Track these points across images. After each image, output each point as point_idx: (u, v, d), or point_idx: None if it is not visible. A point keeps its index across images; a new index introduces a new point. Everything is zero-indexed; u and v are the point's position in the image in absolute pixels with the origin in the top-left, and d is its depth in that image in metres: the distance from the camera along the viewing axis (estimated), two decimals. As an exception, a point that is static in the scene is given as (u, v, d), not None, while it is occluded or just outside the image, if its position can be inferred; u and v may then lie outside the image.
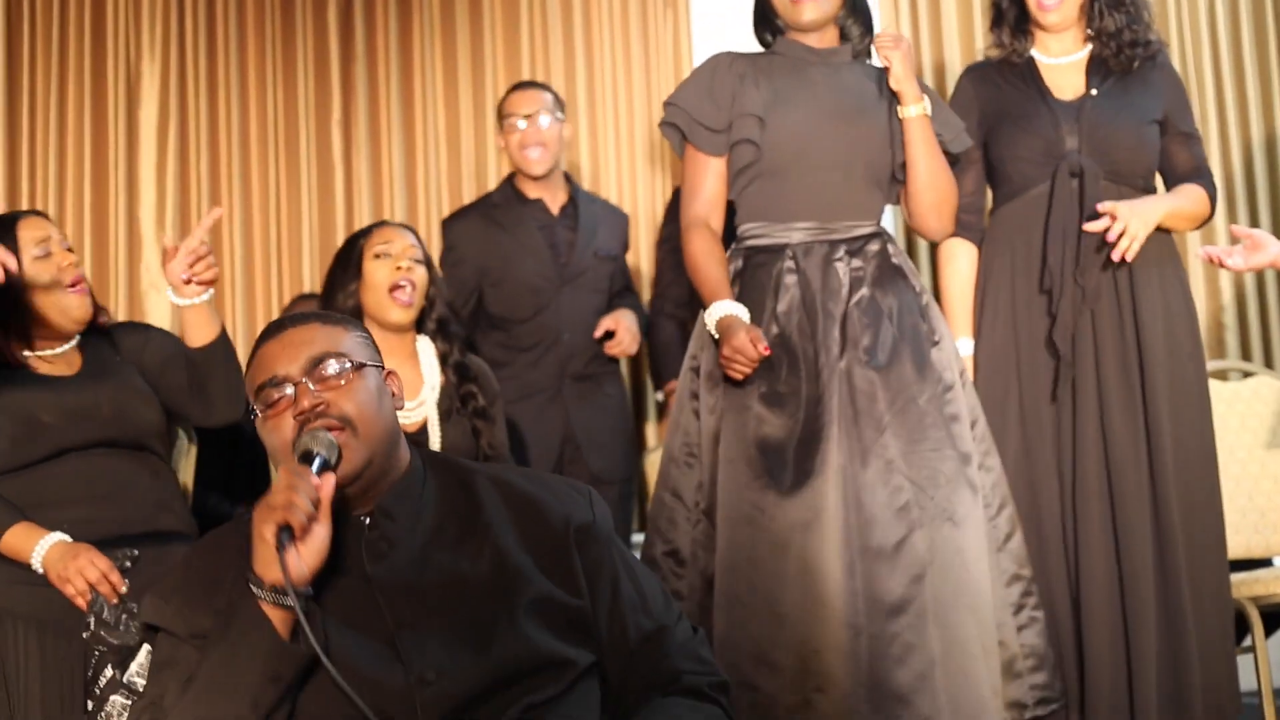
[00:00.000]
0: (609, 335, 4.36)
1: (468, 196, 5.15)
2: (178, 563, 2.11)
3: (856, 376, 3.06)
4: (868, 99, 3.28)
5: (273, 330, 2.12)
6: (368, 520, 2.04)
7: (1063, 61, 3.57)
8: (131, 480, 3.07)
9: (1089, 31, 3.56)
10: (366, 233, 3.51)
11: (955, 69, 5.10)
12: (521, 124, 4.41)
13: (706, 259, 3.22)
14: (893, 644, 2.90)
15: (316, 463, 1.92)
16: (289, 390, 2.02)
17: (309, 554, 1.87)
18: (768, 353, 3.01)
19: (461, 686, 1.92)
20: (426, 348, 3.44)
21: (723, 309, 3.10)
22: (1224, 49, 5.22)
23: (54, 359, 3.12)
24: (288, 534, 1.85)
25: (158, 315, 5.10)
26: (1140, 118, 3.50)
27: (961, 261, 3.58)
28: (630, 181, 5.36)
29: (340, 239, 5.02)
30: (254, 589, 1.86)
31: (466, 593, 2.00)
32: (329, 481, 1.92)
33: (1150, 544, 3.28)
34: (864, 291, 3.15)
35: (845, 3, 3.32)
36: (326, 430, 1.97)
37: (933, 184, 3.27)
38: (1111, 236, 3.28)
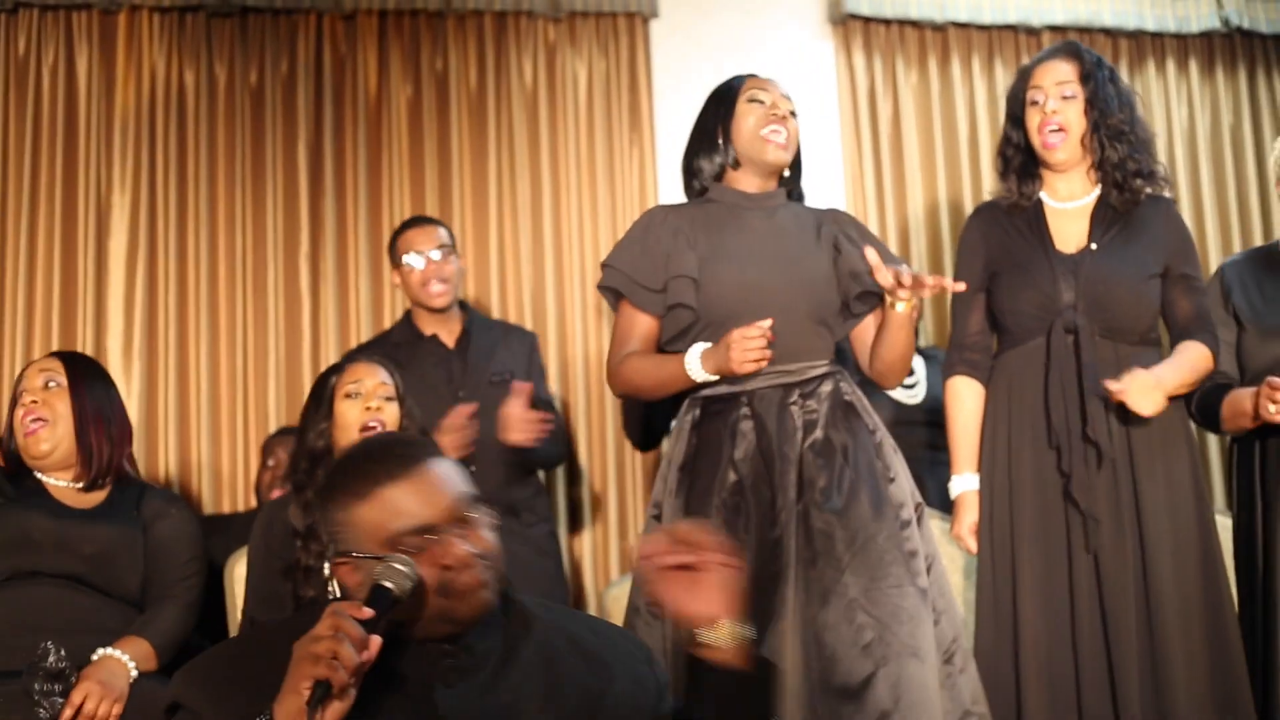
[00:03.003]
0: (527, 459, 4.31)
1: (433, 330, 5.17)
2: (221, 649, 2.05)
3: (814, 518, 3.09)
4: (806, 241, 3.32)
5: (394, 468, 2.01)
6: (446, 645, 1.98)
7: (1069, 206, 3.61)
8: (90, 619, 3.10)
9: (1097, 174, 3.59)
10: (338, 369, 3.52)
11: (919, 222, 5.20)
12: (419, 262, 4.47)
13: (644, 361, 3.27)
14: None
15: (384, 603, 1.82)
16: (432, 536, 1.97)
17: (334, 712, 1.75)
18: (770, 321, 3.06)
19: None
20: None
21: (694, 352, 3.18)
22: (1184, 192, 5.35)
23: (75, 491, 3.26)
24: (324, 690, 1.71)
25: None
26: (1140, 273, 3.52)
27: (967, 399, 3.63)
28: (596, 319, 5.42)
29: (307, 371, 5.08)
30: None
31: None
32: (376, 642, 1.79)
33: (1141, 696, 3.30)
34: (818, 434, 3.18)
35: None
36: (407, 557, 1.90)
37: (900, 366, 3.31)
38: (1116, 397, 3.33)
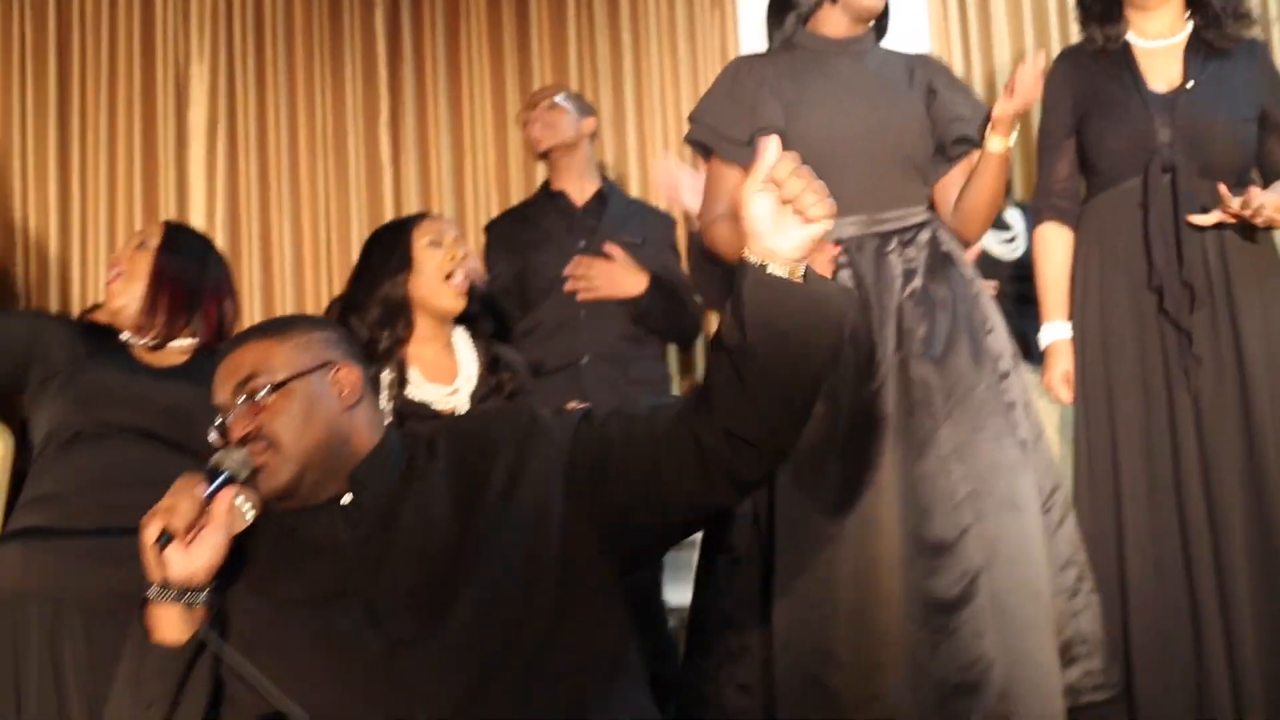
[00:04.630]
0: (641, 315, 4.27)
1: (516, 196, 5.16)
2: None
3: (913, 368, 3.02)
4: (898, 85, 3.22)
5: (218, 356, 2.18)
6: (347, 498, 2.08)
7: (1159, 45, 3.48)
8: (164, 473, 3.09)
9: (1187, 11, 3.47)
10: (413, 222, 3.43)
11: (1005, 73, 5.07)
12: (533, 112, 4.45)
13: (728, 229, 3.19)
14: (954, 638, 2.88)
15: (219, 479, 1.98)
16: (227, 419, 2.08)
17: (200, 556, 1.91)
18: (835, 251, 3.02)
19: (439, 650, 1.93)
20: (463, 337, 3.38)
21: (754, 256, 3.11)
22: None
23: (156, 352, 3.23)
24: (166, 538, 1.89)
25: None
26: (1237, 113, 3.41)
27: (1057, 247, 3.54)
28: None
29: (393, 241, 5.04)
30: (147, 595, 1.93)
31: (437, 559, 2.00)
32: (226, 494, 1.96)
33: (1245, 536, 3.23)
34: (916, 283, 3.10)
35: None
36: (245, 448, 2.03)
37: (987, 214, 3.22)
38: (1249, 211, 3.23)
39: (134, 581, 2.84)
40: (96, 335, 3.25)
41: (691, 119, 3.29)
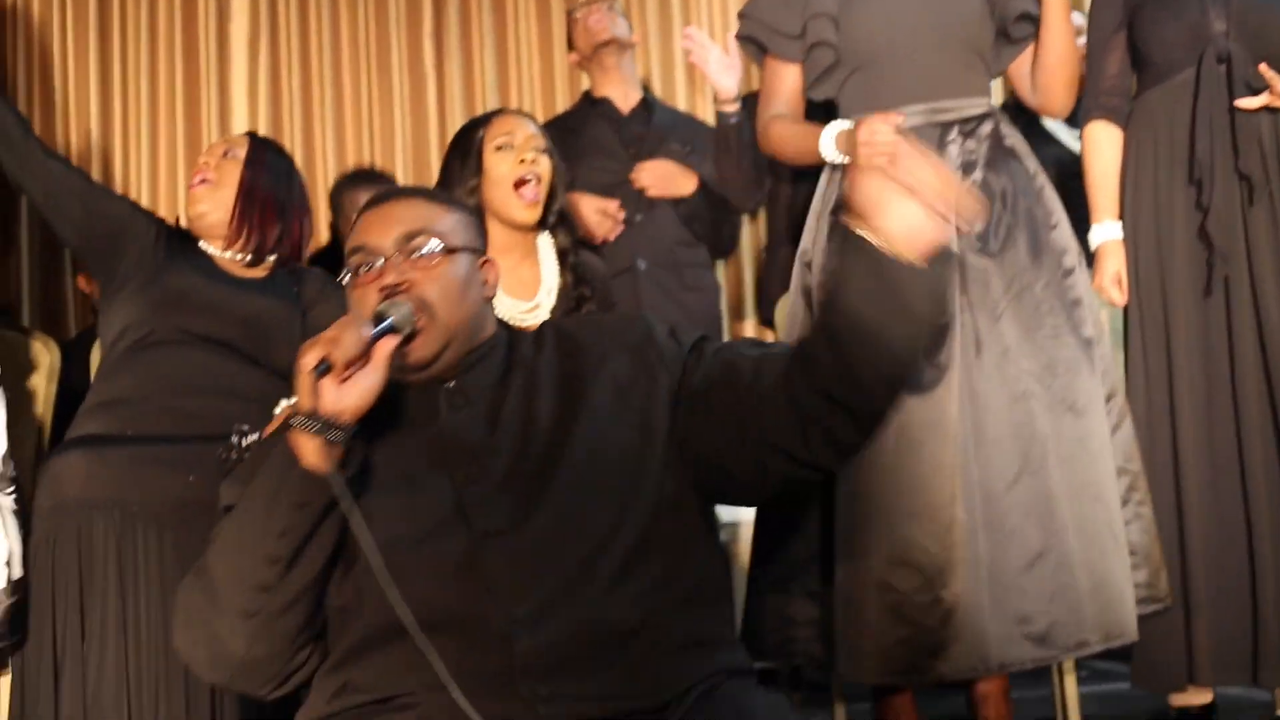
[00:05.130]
0: (691, 216, 4.23)
1: (561, 106, 5.10)
2: (257, 449, 2.11)
3: (969, 263, 2.95)
4: None
5: (377, 199, 2.10)
6: (452, 383, 2.01)
7: None
8: (238, 384, 3.05)
9: None
10: (485, 121, 3.27)
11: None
12: (589, 9, 4.39)
13: (792, 126, 3.14)
14: (1011, 538, 2.83)
15: (384, 324, 1.88)
16: (378, 263, 1.99)
17: (352, 394, 1.81)
18: (903, 118, 2.92)
19: (528, 541, 1.87)
20: (547, 245, 3.24)
21: (830, 131, 3.04)
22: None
23: (237, 265, 3.22)
24: (324, 367, 1.79)
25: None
26: None
27: (1106, 145, 3.41)
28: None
29: (434, 151, 5.02)
30: (292, 420, 1.81)
31: (535, 448, 1.95)
32: (390, 342, 1.86)
33: None
34: (976, 175, 3.02)
35: None
36: (409, 305, 1.93)
37: (1063, 77, 3.13)
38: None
39: (204, 488, 2.84)
40: (181, 240, 3.22)
41: (741, 15, 3.22)
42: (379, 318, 1.88)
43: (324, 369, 1.78)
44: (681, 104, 5.18)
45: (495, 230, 3.04)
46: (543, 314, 3.14)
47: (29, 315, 4.76)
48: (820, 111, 3.20)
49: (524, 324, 3.01)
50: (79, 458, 2.92)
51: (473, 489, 1.90)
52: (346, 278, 2.04)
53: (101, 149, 5.07)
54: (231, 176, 3.20)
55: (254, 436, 2.79)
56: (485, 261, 2.10)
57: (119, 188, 5.01)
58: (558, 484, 1.91)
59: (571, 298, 3.21)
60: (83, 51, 5.10)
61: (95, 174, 4.93)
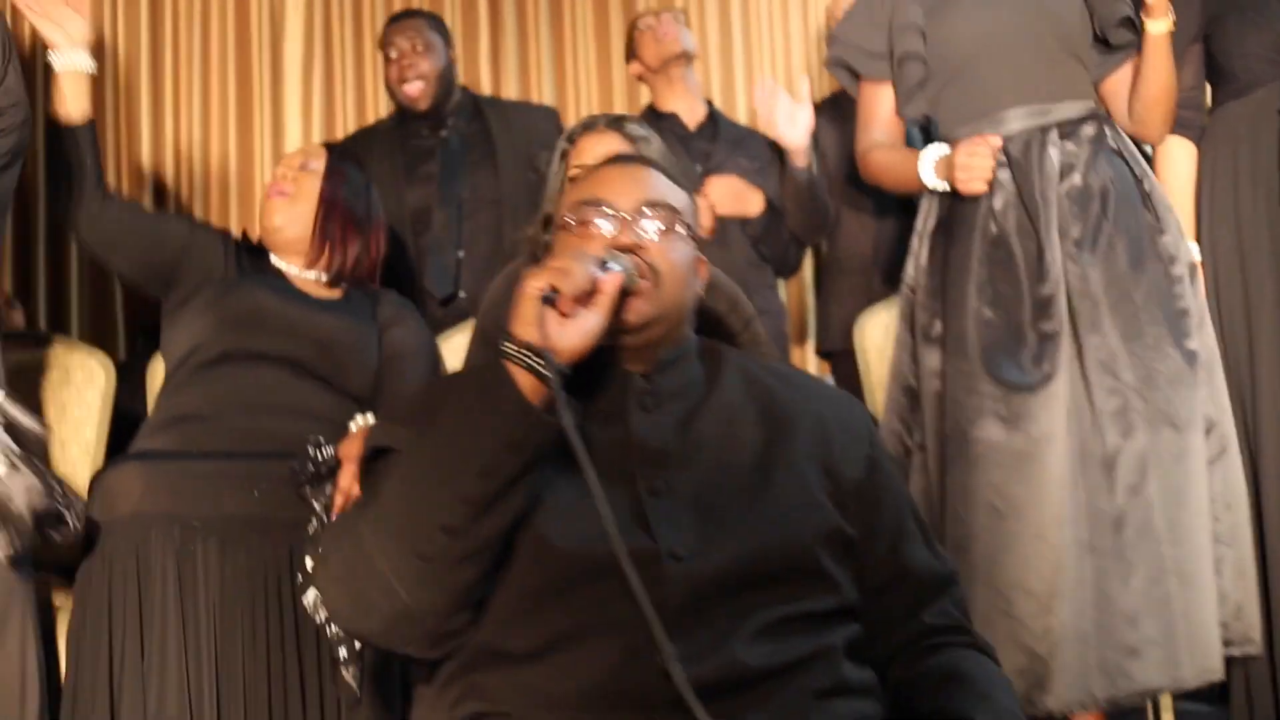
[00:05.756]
0: (760, 236, 4.13)
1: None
2: (413, 394, 2.04)
3: (1069, 271, 2.84)
4: None
5: (623, 159, 2.10)
6: (642, 377, 1.92)
7: None
8: (310, 406, 2.96)
9: None
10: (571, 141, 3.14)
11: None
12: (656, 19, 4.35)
13: (890, 154, 3.07)
14: (1117, 560, 2.72)
15: (614, 267, 1.80)
16: (611, 218, 1.94)
17: (573, 334, 1.72)
18: (999, 141, 2.85)
19: (710, 571, 1.75)
20: None
21: (927, 157, 2.97)
22: None
23: (312, 283, 3.16)
24: (552, 296, 1.71)
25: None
26: None
27: (1181, 161, 3.32)
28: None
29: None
30: (505, 349, 1.70)
31: (733, 474, 1.85)
32: (616, 279, 1.78)
33: None
34: (1075, 179, 2.91)
35: None
36: (632, 259, 1.87)
37: (1162, 104, 3.02)
38: None
39: (271, 505, 2.74)
40: (251, 254, 3.14)
41: (831, 41, 3.14)
42: (603, 264, 1.80)
43: (550, 298, 1.70)
44: (742, 117, 5.07)
45: None
46: None
47: (78, 338, 4.67)
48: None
49: None
50: (132, 472, 2.81)
51: (657, 501, 1.80)
52: (570, 223, 1.96)
53: (154, 170, 5.00)
54: (310, 190, 3.13)
55: (330, 449, 2.69)
56: (699, 260, 2.05)
57: (171, 211, 4.95)
58: (755, 519, 1.82)
59: None
60: (135, 72, 5.04)
61: (148, 198, 4.88)
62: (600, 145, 2.83)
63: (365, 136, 4.45)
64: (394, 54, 4.26)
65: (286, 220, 3.12)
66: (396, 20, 4.40)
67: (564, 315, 1.71)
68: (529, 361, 1.67)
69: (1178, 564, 2.73)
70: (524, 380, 1.67)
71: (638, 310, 1.85)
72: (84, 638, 2.72)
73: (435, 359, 3.31)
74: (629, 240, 1.89)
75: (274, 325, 3.00)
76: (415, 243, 4.11)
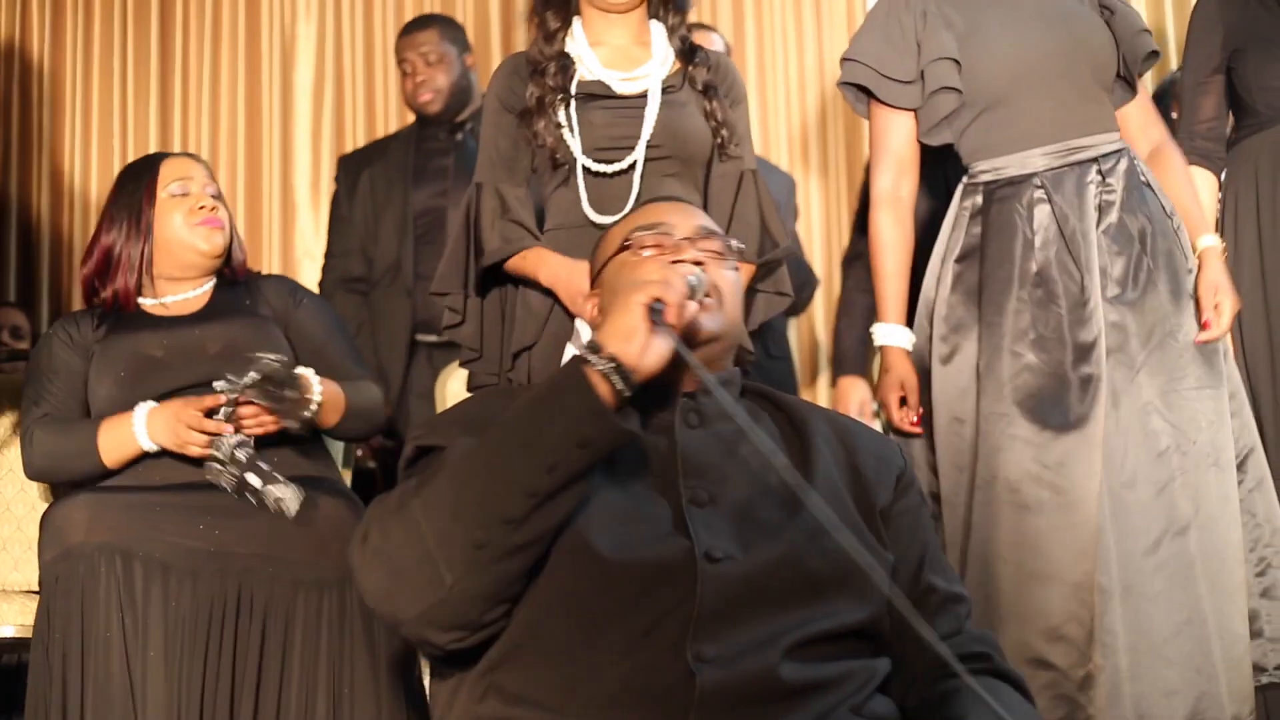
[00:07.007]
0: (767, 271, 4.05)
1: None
2: (458, 406, 2.06)
3: (1107, 311, 2.75)
4: (1071, 2, 2.93)
5: (667, 197, 2.24)
6: (687, 396, 1.96)
7: None
8: None
9: None
10: None
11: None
12: None
13: (889, 251, 2.94)
14: (1156, 604, 2.64)
15: (691, 281, 1.85)
16: (672, 239, 1.99)
17: (651, 356, 1.74)
18: (917, 429, 2.87)
19: (746, 575, 1.75)
20: (659, 30, 2.97)
21: (889, 336, 2.92)
22: None
23: (174, 304, 3.05)
24: (660, 308, 1.74)
25: (310, 282, 4.95)
26: None
27: (1202, 191, 3.22)
28: (800, 143, 5.14)
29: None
30: (587, 355, 1.72)
31: (773, 490, 1.86)
32: (691, 305, 1.83)
33: None
34: (1113, 217, 2.81)
35: None
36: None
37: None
38: None
39: (210, 538, 2.69)
40: (114, 314, 3.05)
41: (846, 59, 3.02)
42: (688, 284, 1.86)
43: (659, 309, 1.74)
44: (756, 134, 5.03)
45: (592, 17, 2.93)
46: (652, 81, 2.89)
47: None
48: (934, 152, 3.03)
49: (628, 90, 2.86)
50: (80, 504, 2.77)
51: (698, 510, 1.81)
52: (628, 248, 2.02)
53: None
54: (223, 213, 3.10)
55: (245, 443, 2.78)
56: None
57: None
58: (794, 531, 1.82)
59: (684, 75, 2.95)
60: (143, 97, 5.05)
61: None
62: None
63: (381, 142, 4.46)
64: (408, 69, 4.26)
65: (225, 243, 3.07)
66: (409, 32, 4.39)
67: (672, 327, 1.75)
68: (609, 372, 1.70)
69: (1215, 605, 2.67)
70: (601, 386, 1.69)
71: (708, 323, 1.90)
72: (37, 672, 2.68)
73: (337, 316, 3.29)
74: (693, 259, 1.95)
75: (169, 359, 2.95)
76: (416, 243, 4.12)
